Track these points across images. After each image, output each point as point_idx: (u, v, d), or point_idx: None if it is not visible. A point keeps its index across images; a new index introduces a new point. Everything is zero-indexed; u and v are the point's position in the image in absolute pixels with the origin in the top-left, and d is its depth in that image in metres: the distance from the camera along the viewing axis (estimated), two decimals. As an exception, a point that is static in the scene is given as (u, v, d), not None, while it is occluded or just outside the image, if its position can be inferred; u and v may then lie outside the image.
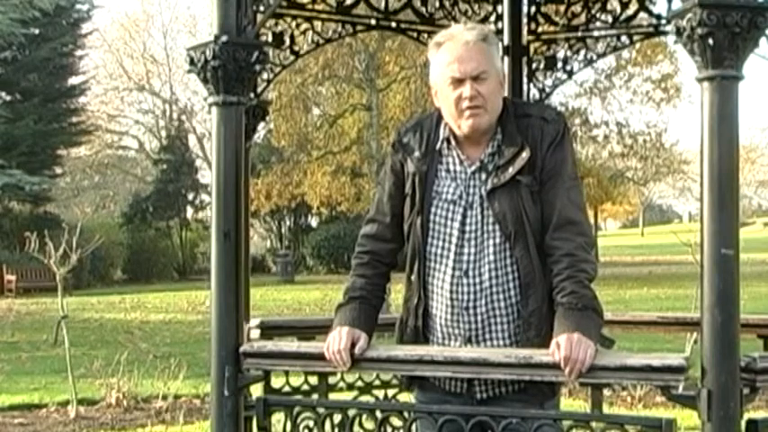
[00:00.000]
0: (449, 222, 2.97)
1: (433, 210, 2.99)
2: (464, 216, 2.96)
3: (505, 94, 4.39)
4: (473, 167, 2.98)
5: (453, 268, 2.95)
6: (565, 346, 2.69)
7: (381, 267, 3.10)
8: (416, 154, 3.02)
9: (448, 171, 3.01)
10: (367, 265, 3.09)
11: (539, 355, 2.76)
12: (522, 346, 2.89)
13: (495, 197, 2.92)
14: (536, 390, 2.89)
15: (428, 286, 3.00)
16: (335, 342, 2.94)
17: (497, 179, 2.92)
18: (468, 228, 2.95)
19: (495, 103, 2.96)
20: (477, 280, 2.93)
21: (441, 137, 3.02)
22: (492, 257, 2.93)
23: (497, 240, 2.92)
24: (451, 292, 2.95)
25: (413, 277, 3.02)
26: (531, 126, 2.95)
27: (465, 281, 2.94)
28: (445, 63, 2.95)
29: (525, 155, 2.90)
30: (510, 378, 2.87)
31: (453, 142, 3.01)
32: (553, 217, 2.89)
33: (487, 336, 2.94)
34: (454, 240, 2.96)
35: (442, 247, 2.97)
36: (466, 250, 2.94)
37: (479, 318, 2.94)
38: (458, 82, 2.93)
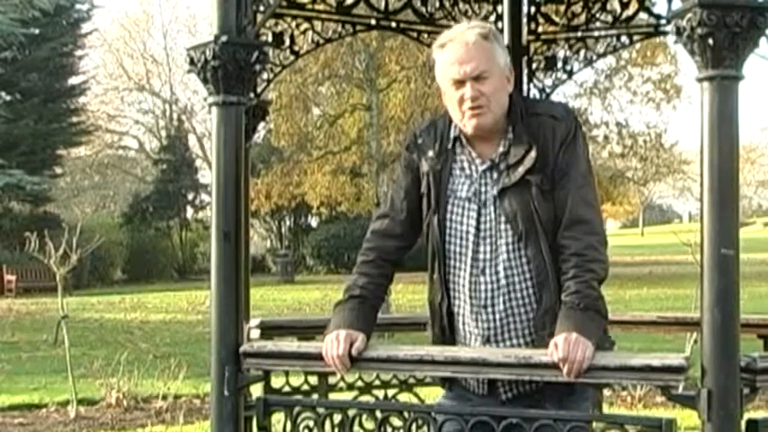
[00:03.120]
0: (464, 220, 2.99)
1: (449, 208, 3.00)
2: (479, 214, 2.97)
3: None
4: (484, 166, 2.99)
5: (471, 266, 2.96)
6: (562, 346, 2.69)
7: (386, 266, 3.09)
8: (430, 153, 3.04)
9: (462, 169, 3.02)
10: (371, 263, 3.08)
11: (538, 355, 2.76)
12: (537, 345, 2.88)
13: (505, 197, 2.93)
14: (552, 387, 2.87)
15: (450, 285, 3.01)
16: (334, 347, 2.92)
17: (508, 179, 2.93)
18: (482, 226, 2.97)
19: (500, 100, 2.97)
20: (494, 278, 2.94)
21: (452, 136, 3.04)
22: (506, 256, 2.94)
23: (510, 240, 2.94)
24: (470, 290, 2.96)
25: (435, 276, 3.03)
26: (542, 125, 2.95)
27: (482, 279, 2.95)
28: (447, 64, 2.97)
29: (533, 154, 2.91)
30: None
31: (465, 141, 3.02)
32: (564, 215, 2.89)
33: (506, 335, 2.95)
34: (471, 238, 2.97)
35: (460, 245, 2.99)
36: (482, 249, 2.96)
37: (498, 316, 2.94)
38: (459, 83, 2.94)
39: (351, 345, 2.91)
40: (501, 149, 2.97)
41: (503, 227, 2.94)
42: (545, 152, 2.91)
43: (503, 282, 2.93)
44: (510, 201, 2.92)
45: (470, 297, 2.96)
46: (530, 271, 2.93)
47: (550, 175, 2.91)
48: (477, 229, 2.97)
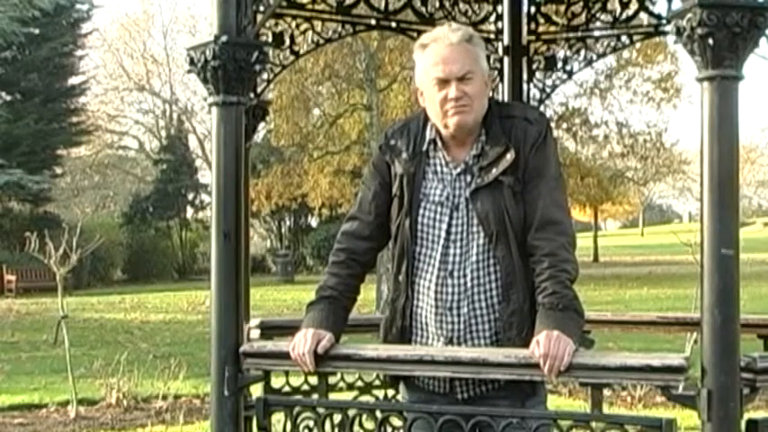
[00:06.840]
0: (436, 224, 3.00)
1: (421, 211, 3.01)
2: (450, 218, 2.98)
3: (504, 94, 4.45)
4: (458, 169, 3.01)
5: (439, 269, 2.97)
6: (544, 342, 2.70)
7: (356, 267, 3.11)
8: (404, 155, 3.04)
9: (435, 173, 3.03)
10: (341, 264, 3.11)
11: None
12: (502, 346, 2.91)
13: (478, 197, 2.95)
14: (517, 388, 2.91)
15: (415, 286, 3.02)
16: (300, 344, 2.96)
17: (481, 179, 2.95)
18: (453, 230, 2.98)
19: (481, 103, 2.99)
20: (462, 281, 2.95)
21: (427, 138, 3.04)
22: (475, 258, 2.95)
23: (481, 241, 2.95)
24: (436, 292, 2.97)
25: (400, 277, 3.04)
26: (515, 127, 2.97)
27: (450, 281, 2.96)
28: (430, 64, 2.98)
29: (510, 156, 2.93)
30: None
31: (439, 144, 3.03)
32: (535, 217, 2.91)
33: (469, 336, 2.96)
34: (441, 242, 2.98)
35: (430, 248, 3.00)
36: (451, 251, 2.97)
37: (462, 318, 2.96)
38: (443, 83, 2.95)
39: (318, 343, 2.94)
40: (474, 152, 2.99)
41: (474, 228, 2.96)
42: (516, 154, 2.93)
43: (470, 284, 2.95)
44: (482, 201, 2.94)
45: (436, 299, 2.97)
46: (497, 272, 2.94)
47: (521, 177, 2.94)
48: (448, 232, 2.98)
